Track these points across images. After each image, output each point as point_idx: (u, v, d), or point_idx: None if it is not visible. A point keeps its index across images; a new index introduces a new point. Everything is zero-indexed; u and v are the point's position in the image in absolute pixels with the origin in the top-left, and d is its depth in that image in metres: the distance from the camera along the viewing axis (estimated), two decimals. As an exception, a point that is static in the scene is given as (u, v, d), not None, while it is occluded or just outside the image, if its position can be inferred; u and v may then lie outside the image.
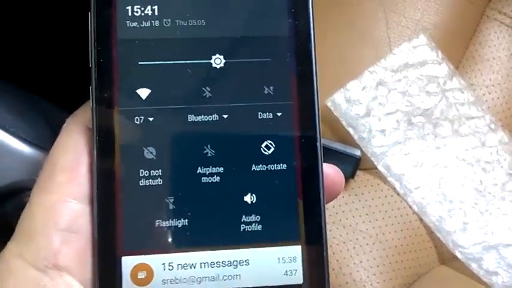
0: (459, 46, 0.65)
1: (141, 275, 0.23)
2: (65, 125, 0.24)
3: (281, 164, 0.25)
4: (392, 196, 0.59)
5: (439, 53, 0.62)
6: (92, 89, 0.23)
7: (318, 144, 0.25)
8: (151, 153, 0.23)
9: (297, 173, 0.25)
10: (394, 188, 0.59)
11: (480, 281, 0.57)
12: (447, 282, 0.58)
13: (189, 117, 0.24)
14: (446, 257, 0.60)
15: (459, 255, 0.57)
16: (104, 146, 0.23)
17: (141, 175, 0.23)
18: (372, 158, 0.59)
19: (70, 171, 0.23)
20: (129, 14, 0.23)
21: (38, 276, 0.21)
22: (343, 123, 0.58)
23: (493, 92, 0.65)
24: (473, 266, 0.57)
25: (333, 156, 0.56)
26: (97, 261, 0.22)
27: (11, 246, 0.22)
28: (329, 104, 0.59)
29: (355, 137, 0.59)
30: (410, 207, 0.59)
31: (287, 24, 0.25)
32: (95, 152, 0.23)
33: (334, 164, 0.56)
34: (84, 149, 0.23)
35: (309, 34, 0.25)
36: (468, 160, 0.61)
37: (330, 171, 0.26)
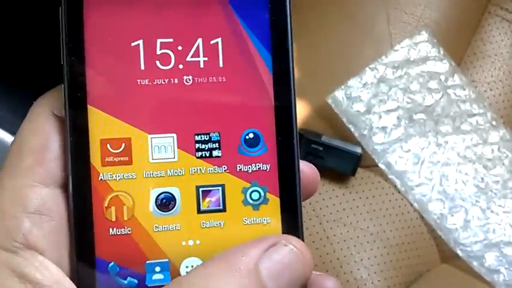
0: (461, 42, 0.65)
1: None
2: (31, 108, 0.24)
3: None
4: (393, 194, 0.59)
5: (441, 49, 0.61)
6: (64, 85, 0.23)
7: (295, 141, 0.25)
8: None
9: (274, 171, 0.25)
10: (395, 186, 0.59)
11: (482, 279, 0.56)
12: (448, 280, 0.57)
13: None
14: (447, 255, 0.59)
15: (460, 253, 0.57)
16: (76, 134, 0.23)
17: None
18: (373, 155, 0.58)
19: (37, 155, 0.23)
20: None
21: (9, 257, 0.21)
22: (344, 120, 0.58)
23: (495, 88, 0.64)
24: (475, 264, 0.57)
25: (333, 153, 0.56)
26: (74, 241, 0.23)
27: None
28: (330, 100, 0.58)
29: (356, 134, 0.58)
30: (411, 204, 0.58)
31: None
32: (69, 139, 0.23)
33: (334, 161, 0.56)
34: (51, 133, 0.23)
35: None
36: (469, 157, 0.60)
37: (306, 169, 0.25)
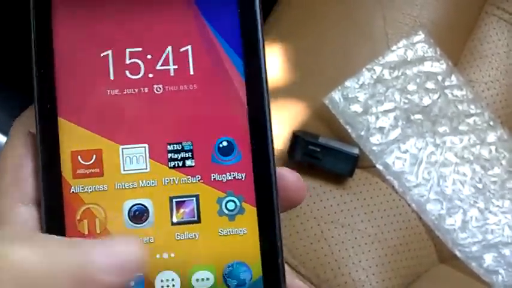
0: (458, 42, 0.65)
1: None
2: (11, 128, 0.24)
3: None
4: (391, 194, 0.58)
5: (438, 49, 0.61)
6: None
7: (270, 149, 0.24)
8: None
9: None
10: (393, 186, 0.58)
11: (480, 280, 0.56)
12: (447, 281, 0.57)
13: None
14: (445, 255, 0.59)
15: (459, 254, 0.57)
16: (46, 151, 0.23)
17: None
18: (370, 156, 0.58)
19: (12, 174, 0.22)
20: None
21: None
22: (341, 121, 0.58)
23: (492, 88, 0.64)
24: (473, 264, 0.56)
25: (330, 154, 0.56)
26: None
27: None
28: (327, 101, 0.58)
29: (353, 135, 0.58)
30: (409, 205, 0.58)
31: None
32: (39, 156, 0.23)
33: (332, 162, 0.56)
34: (27, 151, 0.23)
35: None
36: (467, 158, 0.60)
37: (290, 177, 0.24)
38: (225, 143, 0.24)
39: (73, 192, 0.23)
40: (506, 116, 0.63)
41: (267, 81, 0.24)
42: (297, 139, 0.56)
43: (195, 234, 0.23)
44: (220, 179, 0.24)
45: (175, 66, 0.23)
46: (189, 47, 0.24)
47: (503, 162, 0.61)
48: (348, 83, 0.59)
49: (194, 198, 0.23)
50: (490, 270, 0.56)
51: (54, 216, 0.23)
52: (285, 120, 0.58)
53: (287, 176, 0.24)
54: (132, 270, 0.20)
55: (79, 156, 0.23)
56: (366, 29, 0.61)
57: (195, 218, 0.23)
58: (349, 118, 0.58)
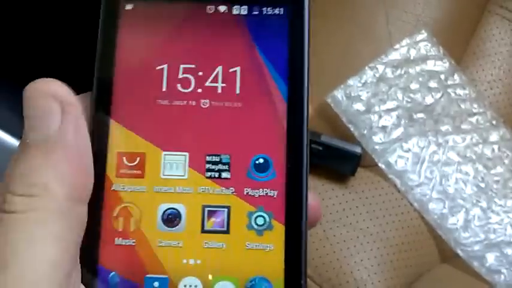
0: (460, 41, 0.65)
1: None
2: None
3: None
4: (393, 193, 0.58)
5: (441, 48, 0.61)
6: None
7: (304, 171, 0.25)
8: None
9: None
10: (395, 185, 0.58)
11: (482, 280, 0.56)
12: (449, 280, 0.57)
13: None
14: (447, 255, 0.59)
15: (461, 253, 0.57)
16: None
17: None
18: (373, 155, 0.58)
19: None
20: None
21: None
22: (344, 119, 0.58)
23: (495, 87, 0.64)
24: (475, 264, 0.56)
25: (333, 153, 0.56)
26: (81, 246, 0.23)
27: None
28: (329, 100, 0.58)
29: (356, 134, 0.58)
30: (411, 204, 0.58)
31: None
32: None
33: (334, 161, 0.55)
34: None
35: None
36: (470, 157, 0.60)
37: (310, 199, 0.25)
38: (261, 160, 0.25)
39: (114, 189, 0.24)
40: (508, 115, 0.63)
41: (308, 107, 0.25)
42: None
43: (222, 244, 0.24)
44: (253, 194, 0.24)
45: (224, 85, 0.25)
46: (237, 68, 0.25)
47: (506, 161, 0.61)
48: (350, 82, 0.59)
49: (226, 209, 0.24)
50: (492, 270, 0.56)
51: (93, 209, 0.23)
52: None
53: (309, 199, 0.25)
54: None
55: (124, 158, 0.25)
56: (369, 27, 0.61)
57: (225, 229, 0.24)
58: (351, 117, 0.58)
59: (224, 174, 0.24)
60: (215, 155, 0.25)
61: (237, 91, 0.25)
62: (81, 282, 0.23)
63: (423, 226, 0.59)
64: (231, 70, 0.25)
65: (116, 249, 0.24)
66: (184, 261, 0.24)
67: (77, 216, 0.21)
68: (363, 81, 0.59)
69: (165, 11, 0.25)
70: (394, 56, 0.60)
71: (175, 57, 0.25)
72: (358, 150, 0.57)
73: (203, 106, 0.25)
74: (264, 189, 0.24)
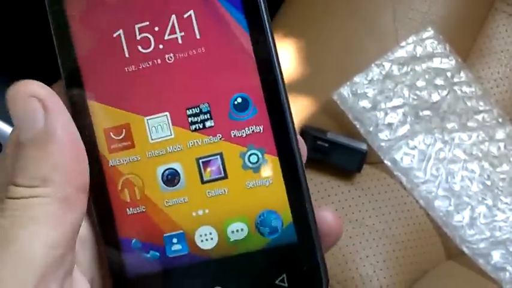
0: (467, 39, 0.65)
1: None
2: None
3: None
4: (399, 190, 0.58)
5: (447, 45, 0.61)
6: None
7: (283, 98, 0.25)
8: None
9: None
10: (401, 182, 0.58)
11: (488, 277, 0.56)
12: (454, 277, 0.57)
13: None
14: (453, 252, 0.59)
15: (466, 251, 0.57)
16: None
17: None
18: (379, 152, 0.58)
19: None
20: None
21: None
22: (350, 116, 0.58)
23: (501, 85, 0.64)
24: (481, 261, 0.56)
25: (339, 150, 0.56)
26: (99, 227, 0.25)
27: None
28: (335, 97, 0.58)
29: (362, 131, 0.58)
30: (417, 201, 0.58)
31: None
32: None
33: (340, 157, 0.56)
34: None
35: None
36: (476, 154, 0.60)
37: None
38: (239, 100, 0.25)
39: (111, 165, 0.25)
40: (515, 113, 0.63)
41: (272, 33, 0.25)
42: (306, 134, 0.56)
43: (224, 190, 0.25)
44: (240, 134, 0.25)
45: (182, 33, 0.25)
46: (191, 12, 0.24)
47: (512, 159, 0.61)
48: (356, 79, 0.59)
49: (218, 156, 0.25)
50: (498, 267, 0.56)
51: (99, 190, 0.25)
52: (293, 116, 0.58)
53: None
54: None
55: (111, 133, 0.25)
56: (375, 24, 0.61)
57: (222, 175, 0.25)
58: (357, 114, 0.58)
59: (208, 123, 0.25)
60: (194, 107, 0.25)
61: (197, 36, 0.24)
62: (107, 258, 0.24)
63: (429, 223, 0.59)
64: (185, 16, 0.25)
65: (129, 219, 0.25)
66: (194, 213, 0.25)
67: (75, 202, 0.22)
68: (369, 78, 0.59)
69: None
70: (401, 53, 0.60)
71: (128, 19, 0.25)
72: (364, 147, 0.57)
73: (169, 61, 0.25)
74: (250, 127, 0.25)
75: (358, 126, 0.58)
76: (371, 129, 0.58)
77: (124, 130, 0.25)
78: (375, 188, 0.58)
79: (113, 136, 0.25)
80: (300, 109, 0.58)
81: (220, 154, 0.25)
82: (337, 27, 0.61)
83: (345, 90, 0.58)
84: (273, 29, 0.25)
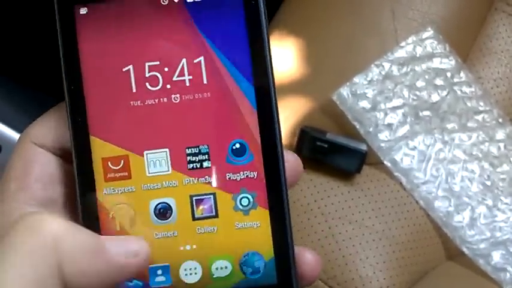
0: (467, 39, 0.65)
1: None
2: (20, 136, 0.27)
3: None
4: (398, 191, 0.58)
5: (447, 46, 0.61)
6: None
7: (279, 148, 0.26)
8: None
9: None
10: (401, 183, 0.58)
11: (488, 277, 0.56)
12: (454, 278, 0.57)
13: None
14: (453, 253, 0.59)
15: (466, 251, 0.57)
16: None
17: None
18: (378, 153, 0.58)
19: (20, 180, 0.25)
20: None
21: None
22: (349, 117, 0.58)
23: (501, 85, 0.64)
24: (481, 262, 0.56)
25: (338, 150, 0.56)
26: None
27: None
28: (335, 97, 0.58)
29: (361, 131, 0.58)
30: (417, 202, 0.58)
31: None
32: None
33: (339, 158, 0.56)
34: (32, 160, 0.26)
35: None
36: (476, 155, 0.60)
37: (289, 158, 0.27)
38: (238, 145, 0.26)
39: (105, 193, 0.26)
40: (515, 113, 0.63)
41: (275, 89, 0.26)
42: (305, 135, 0.56)
43: (213, 228, 0.26)
44: (235, 178, 0.26)
45: (190, 77, 0.26)
46: (201, 58, 0.26)
47: (512, 159, 0.60)
48: (356, 79, 0.58)
49: (212, 196, 0.26)
50: (498, 268, 0.56)
51: (91, 217, 0.25)
52: (292, 116, 0.57)
53: (287, 157, 0.26)
54: (139, 259, 0.24)
55: (109, 162, 0.26)
56: (375, 24, 0.61)
57: (213, 214, 0.26)
58: (357, 114, 0.58)
59: (205, 164, 0.26)
60: (194, 147, 0.26)
61: (205, 81, 0.26)
62: None
63: (429, 224, 0.58)
64: (195, 61, 0.26)
65: None
66: (182, 248, 0.26)
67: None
68: (368, 78, 0.59)
69: (120, 9, 0.25)
70: (400, 53, 0.60)
71: (139, 56, 0.26)
72: (363, 147, 0.57)
73: (174, 101, 0.26)
74: (245, 172, 0.26)
75: (357, 126, 0.58)
76: (371, 129, 0.58)
77: (122, 161, 0.26)
78: (375, 189, 0.58)
79: (110, 166, 0.26)
80: (299, 109, 0.58)
81: (214, 194, 0.26)
82: (337, 27, 0.61)
83: (345, 91, 0.58)
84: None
